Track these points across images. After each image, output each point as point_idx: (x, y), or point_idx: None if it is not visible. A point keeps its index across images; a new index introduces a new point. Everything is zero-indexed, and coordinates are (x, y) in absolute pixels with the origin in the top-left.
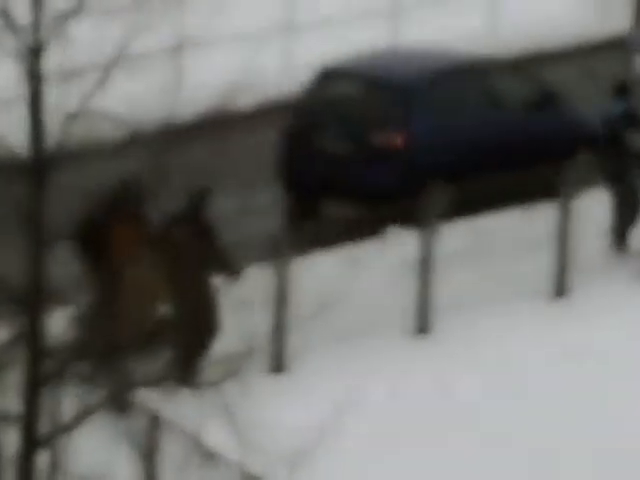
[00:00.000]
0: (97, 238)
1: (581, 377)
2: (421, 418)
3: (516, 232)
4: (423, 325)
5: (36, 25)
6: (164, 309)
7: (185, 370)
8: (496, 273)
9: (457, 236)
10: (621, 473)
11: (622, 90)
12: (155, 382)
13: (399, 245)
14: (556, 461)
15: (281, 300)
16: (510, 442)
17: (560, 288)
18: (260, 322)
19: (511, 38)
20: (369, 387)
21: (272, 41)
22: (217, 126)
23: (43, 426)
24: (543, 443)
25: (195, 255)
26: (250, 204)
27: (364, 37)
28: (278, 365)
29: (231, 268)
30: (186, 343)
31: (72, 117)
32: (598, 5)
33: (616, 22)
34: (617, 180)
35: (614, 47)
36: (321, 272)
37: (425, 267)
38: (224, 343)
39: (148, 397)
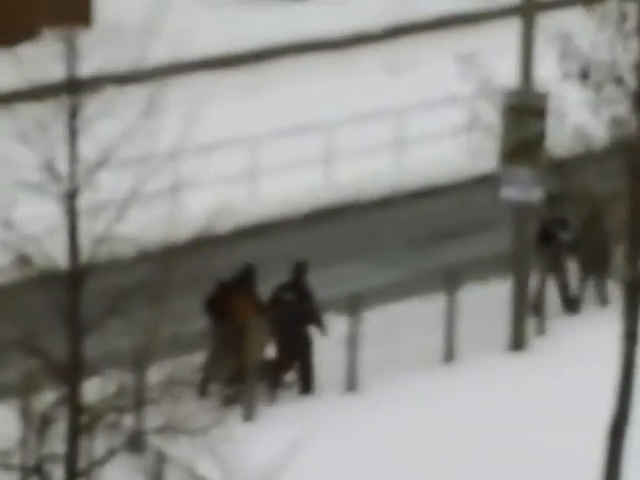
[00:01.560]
0: (222, 305)
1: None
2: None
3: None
4: (353, 385)
5: (72, 174)
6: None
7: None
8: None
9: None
10: None
11: None
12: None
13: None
14: None
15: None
16: None
17: (450, 356)
18: None
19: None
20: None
21: (242, 181)
22: (204, 244)
23: (81, 463)
24: None
25: (297, 313)
26: None
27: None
28: (250, 415)
29: (322, 324)
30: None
31: (99, 240)
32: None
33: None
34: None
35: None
36: None
37: (353, 342)
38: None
39: (157, 440)
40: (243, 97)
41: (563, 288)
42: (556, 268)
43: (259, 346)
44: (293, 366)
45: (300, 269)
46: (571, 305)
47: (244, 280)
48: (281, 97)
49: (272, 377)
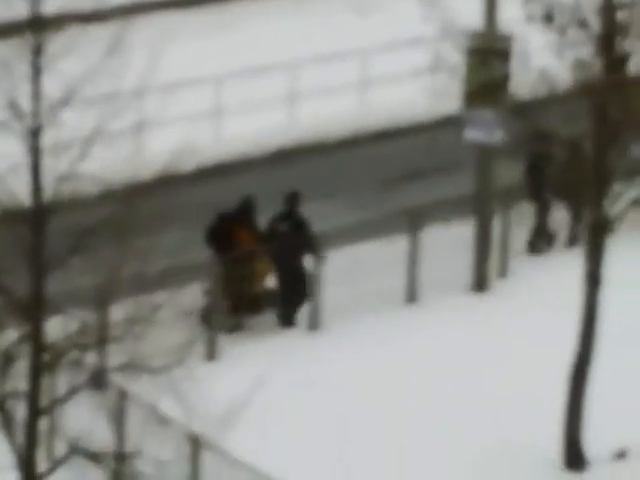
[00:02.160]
0: (222, 236)
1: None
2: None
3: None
4: (315, 324)
5: (35, 112)
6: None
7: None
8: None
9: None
10: None
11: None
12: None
13: None
14: None
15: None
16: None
17: (412, 297)
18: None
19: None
20: (277, 367)
21: (206, 120)
22: (167, 183)
23: (43, 400)
24: None
25: (292, 243)
26: None
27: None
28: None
29: (318, 252)
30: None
31: (62, 178)
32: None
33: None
34: None
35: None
36: None
37: (316, 282)
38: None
39: (119, 378)
40: (207, 36)
41: (541, 224)
42: (539, 202)
43: (262, 276)
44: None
45: (293, 199)
46: (544, 242)
47: (244, 212)
48: (246, 36)
49: (280, 308)
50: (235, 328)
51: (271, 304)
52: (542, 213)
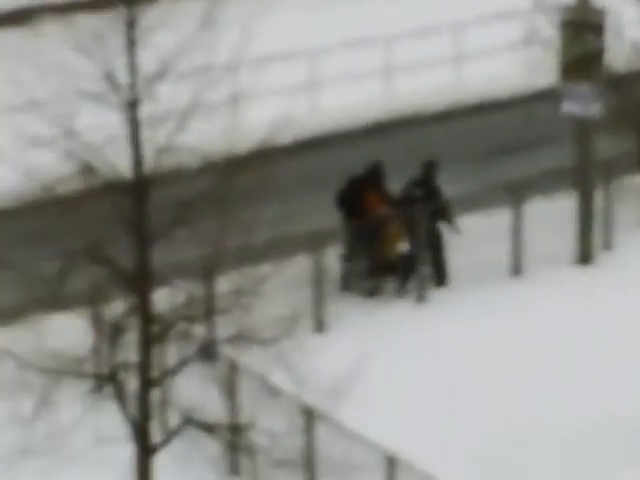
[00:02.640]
0: (354, 198)
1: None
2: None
3: None
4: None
5: (132, 84)
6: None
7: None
8: None
9: None
10: None
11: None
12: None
13: None
14: None
15: (319, 278)
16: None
17: (517, 269)
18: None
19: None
20: (385, 341)
21: (302, 93)
22: (265, 156)
23: (154, 371)
24: None
25: (427, 210)
26: None
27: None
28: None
29: (452, 219)
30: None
31: (161, 150)
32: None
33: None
34: None
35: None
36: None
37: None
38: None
39: (229, 350)
40: (303, 9)
41: None
42: None
43: (396, 240)
44: (424, 261)
45: (430, 167)
46: None
47: (373, 176)
48: (342, 11)
49: (405, 271)
50: (373, 292)
51: (407, 268)
52: None
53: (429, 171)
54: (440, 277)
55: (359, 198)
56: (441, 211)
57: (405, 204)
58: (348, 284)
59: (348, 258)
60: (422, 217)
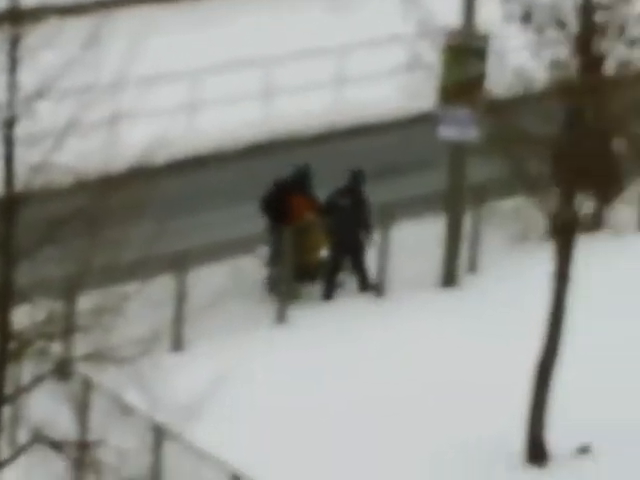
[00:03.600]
0: (280, 203)
1: None
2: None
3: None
4: (282, 317)
5: (10, 103)
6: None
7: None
8: None
9: None
10: None
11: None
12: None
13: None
14: None
15: (181, 298)
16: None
17: (381, 291)
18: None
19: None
20: (243, 361)
21: (181, 114)
22: (140, 175)
23: (8, 388)
24: None
25: (352, 217)
26: None
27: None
28: (178, 345)
29: (370, 228)
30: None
31: (36, 169)
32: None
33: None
34: None
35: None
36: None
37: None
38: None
39: (84, 368)
40: (185, 30)
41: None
42: None
43: (318, 245)
44: (344, 267)
45: (357, 176)
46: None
47: (300, 181)
48: (223, 32)
49: (327, 277)
50: (294, 296)
51: (323, 274)
52: None
53: (356, 180)
54: (363, 283)
55: (285, 202)
56: (362, 221)
57: (330, 211)
58: (273, 287)
59: (272, 262)
60: (347, 225)
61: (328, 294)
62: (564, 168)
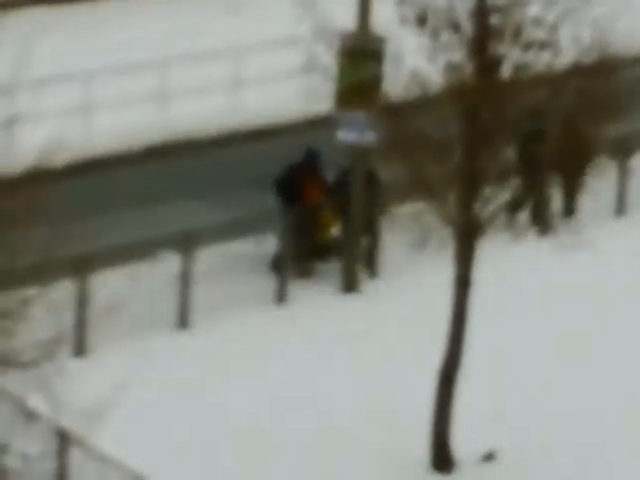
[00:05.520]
0: (292, 185)
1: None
2: (181, 388)
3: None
4: (184, 322)
5: None
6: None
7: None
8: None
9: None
10: None
11: None
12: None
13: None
14: None
15: (82, 302)
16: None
17: (282, 296)
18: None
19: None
20: (145, 366)
21: (76, 116)
22: (37, 178)
23: None
24: None
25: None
26: None
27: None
28: (80, 350)
29: (384, 207)
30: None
31: None
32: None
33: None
34: None
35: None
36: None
37: (185, 280)
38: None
39: None
40: (79, 33)
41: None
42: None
43: (329, 225)
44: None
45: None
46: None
47: (310, 163)
48: (118, 34)
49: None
50: (304, 274)
51: (337, 253)
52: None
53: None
54: (371, 264)
55: (297, 185)
56: (376, 198)
57: (339, 190)
58: (278, 265)
59: (284, 241)
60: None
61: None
62: (464, 170)
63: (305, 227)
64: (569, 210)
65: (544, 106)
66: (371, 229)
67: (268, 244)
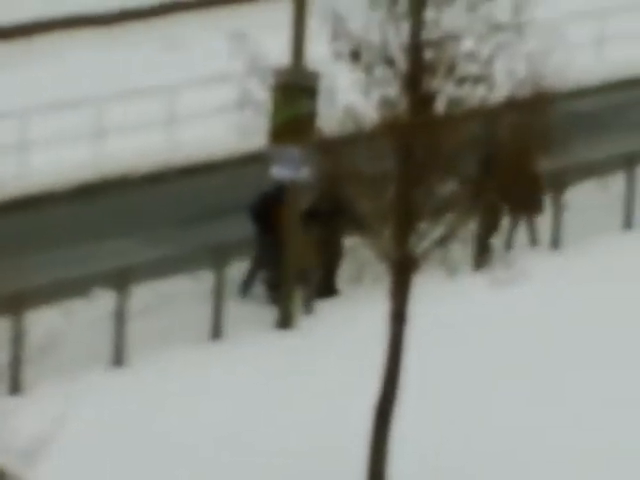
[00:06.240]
0: (266, 215)
1: None
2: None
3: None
4: (119, 359)
5: None
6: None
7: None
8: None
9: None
10: None
11: None
12: None
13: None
14: None
15: (17, 339)
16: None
17: (217, 332)
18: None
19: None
20: (81, 403)
21: (10, 153)
22: None
23: None
24: None
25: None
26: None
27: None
28: (15, 388)
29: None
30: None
31: None
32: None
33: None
34: None
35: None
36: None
37: (120, 317)
38: None
39: None
40: (11, 68)
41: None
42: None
43: (303, 254)
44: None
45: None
46: None
47: (282, 192)
48: (50, 70)
49: (316, 285)
50: (274, 300)
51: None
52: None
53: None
54: (330, 288)
55: (269, 213)
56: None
57: (311, 218)
58: (246, 291)
59: (256, 268)
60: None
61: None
62: (397, 206)
63: (279, 255)
64: (508, 244)
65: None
66: (333, 253)
67: (204, 280)
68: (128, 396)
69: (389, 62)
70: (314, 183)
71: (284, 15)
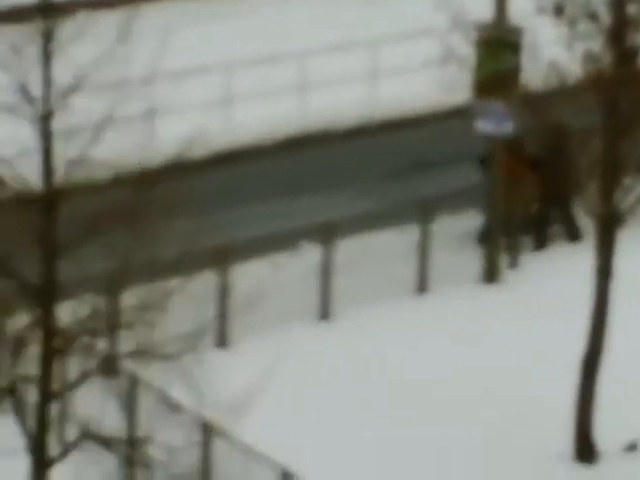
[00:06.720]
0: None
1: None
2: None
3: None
4: (325, 313)
5: (46, 97)
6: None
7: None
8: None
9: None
10: None
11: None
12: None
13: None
14: None
15: (224, 293)
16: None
17: (422, 287)
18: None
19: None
20: (287, 357)
21: (216, 108)
22: (178, 170)
23: (54, 385)
24: None
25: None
26: None
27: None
28: (222, 342)
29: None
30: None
31: (73, 163)
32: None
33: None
34: None
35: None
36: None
37: (326, 271)
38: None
39: (130, 364)
40: (217, 23)
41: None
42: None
43: (531, 199)
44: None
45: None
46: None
47: (515, 143)
48: (255, 24)
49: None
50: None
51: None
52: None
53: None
54: (573, 232)
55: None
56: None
57: (539, 165)
58: (483, 239)
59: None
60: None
61: (541, 245)
62: (603, 160)
63: (511, 200)
64: None
65: None
66: (564, 201)
67: (410, 233)
68: (334, 350)
69: (592, 16)
70: (533, 134)
71: None
